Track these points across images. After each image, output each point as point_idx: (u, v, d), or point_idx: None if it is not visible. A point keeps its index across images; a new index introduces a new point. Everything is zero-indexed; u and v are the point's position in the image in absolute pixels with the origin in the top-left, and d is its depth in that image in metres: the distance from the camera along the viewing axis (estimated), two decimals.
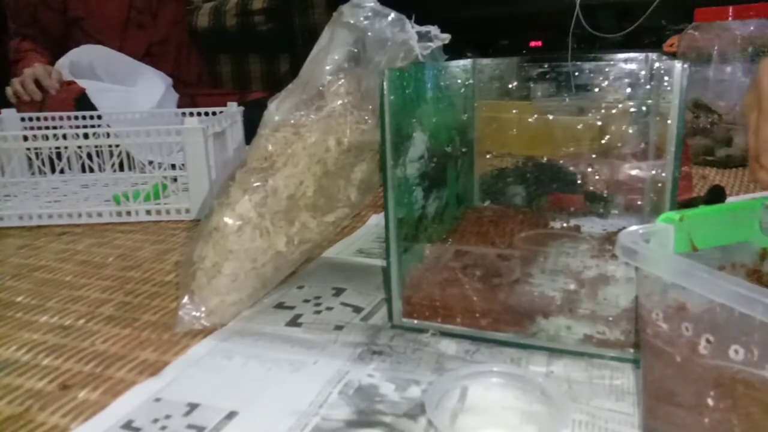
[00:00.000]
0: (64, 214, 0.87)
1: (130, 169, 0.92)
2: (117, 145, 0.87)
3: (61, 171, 0.89)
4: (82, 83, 1.22)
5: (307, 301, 0.57)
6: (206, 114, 1.12)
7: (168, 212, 0.88)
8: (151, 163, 0.89)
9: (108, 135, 0.86)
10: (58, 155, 0.88)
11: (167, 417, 0.40)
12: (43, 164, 0.89)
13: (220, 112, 1.07)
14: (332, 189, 0.55)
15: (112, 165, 0.88)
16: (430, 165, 0.55)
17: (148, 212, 0.88)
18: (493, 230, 0.62)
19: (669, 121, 0.43)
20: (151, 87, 1.25)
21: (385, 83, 0.46)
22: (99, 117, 1.13)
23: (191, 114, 1.10)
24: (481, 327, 0.49)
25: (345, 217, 0.59)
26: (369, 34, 0.53)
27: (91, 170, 0.91)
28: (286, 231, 0.54)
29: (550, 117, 0.60)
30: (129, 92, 1.22)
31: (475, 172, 0.71)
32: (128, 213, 0.88)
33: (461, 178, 0.67)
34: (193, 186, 0.86)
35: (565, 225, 0.61)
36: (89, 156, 0.89)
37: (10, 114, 1.11)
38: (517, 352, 0.47)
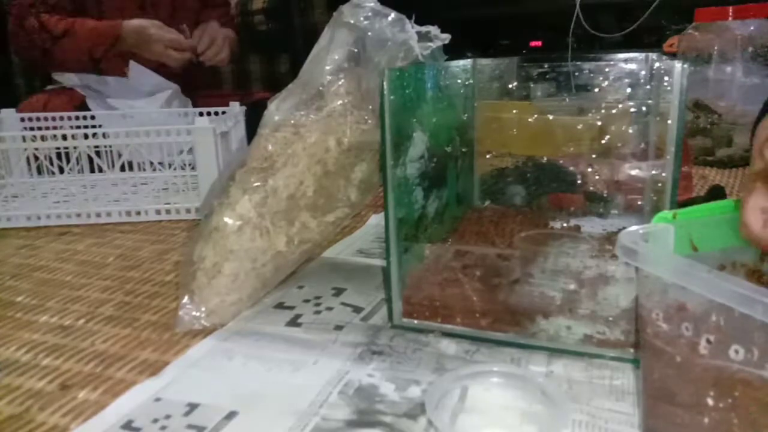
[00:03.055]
0: (72, 214, 0.87)
1: (138, 168, 0.92)
2: (126, 145, 0.86)
3: (62, 170, 0.89)
4: (82, 91, 1.21)
5: (307, 301, 0.57)
6: (208, 114, 1.11)
7: (178, 211, 0.87)
8: (160, 162, 0.88)
9: (118, 135, 0.85)
10: (59, 155, 0.88)
11: (167, 417, 0.40)
12: (52, 164, 0.88)
13: (222, 112, 1.07)
14: (332, 189, 0.55)
15: (121, 165, 0.87)
16: (430, 165, 0.55)
17: (158, 212, 0.87)
18: (493, 230, 0.62)
19: (669, 121, 0.43)
20: (153, 99, 1.24)
21: (385, 83, 0.46)
22: (92, 117, 1.13)
23: (192, 114, 1.10)
24: (481, 327, 0.49)
25: (345, 217, 0.59)
26: (369, 34, 0.53)
27: (100, 170, 0.90)
28: (286, 231, 0.54)
29: (550, 117, 0.61)
30: (131, 107, 1.21)
31: (475, 172, 0.71)
32: (138, 213, 0.87)
33: (461, 178, 0.67)
34: (203, 185, 0.86)
35: (565, 225, 0.61)
36: (98, 154, 0.88)
37: (9, 114, 1.11)
38: (517, 352, 0.47)
